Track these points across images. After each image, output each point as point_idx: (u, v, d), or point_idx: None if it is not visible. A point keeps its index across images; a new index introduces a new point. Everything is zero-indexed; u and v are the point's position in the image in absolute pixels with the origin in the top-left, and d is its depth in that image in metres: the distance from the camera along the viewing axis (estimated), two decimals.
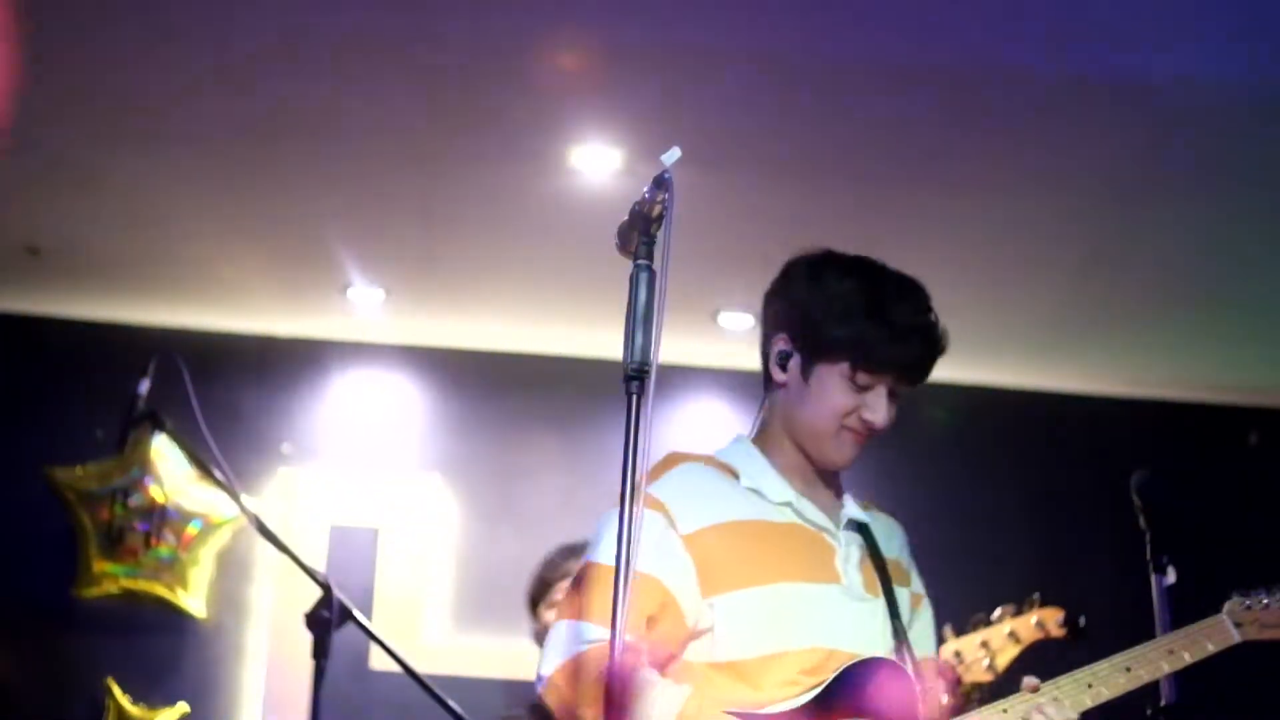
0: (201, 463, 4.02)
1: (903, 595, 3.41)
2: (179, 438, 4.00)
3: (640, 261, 2.74)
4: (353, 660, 6.97)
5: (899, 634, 3.33)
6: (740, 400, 7.66)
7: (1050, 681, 3.31)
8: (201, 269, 7.01)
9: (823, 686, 3.15)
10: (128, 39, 5.08)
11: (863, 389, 3.29)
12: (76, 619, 7.45)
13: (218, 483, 4.05)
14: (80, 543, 7.48)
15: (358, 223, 6.55)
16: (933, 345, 3.35)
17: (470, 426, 7.75)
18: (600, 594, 3.11)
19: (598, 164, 5.79)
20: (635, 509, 2.65)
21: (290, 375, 7.74)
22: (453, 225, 6.51)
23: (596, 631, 3.09)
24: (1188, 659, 3.44)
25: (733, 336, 7.36)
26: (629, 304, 2.70)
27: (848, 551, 3.34)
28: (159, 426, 3.96)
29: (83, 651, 7.39)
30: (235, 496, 4.05)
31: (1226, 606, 3.53)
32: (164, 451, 7.39)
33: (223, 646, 7.54)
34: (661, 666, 3.18)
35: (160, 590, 7.50)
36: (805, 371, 3.34)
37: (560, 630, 3.17)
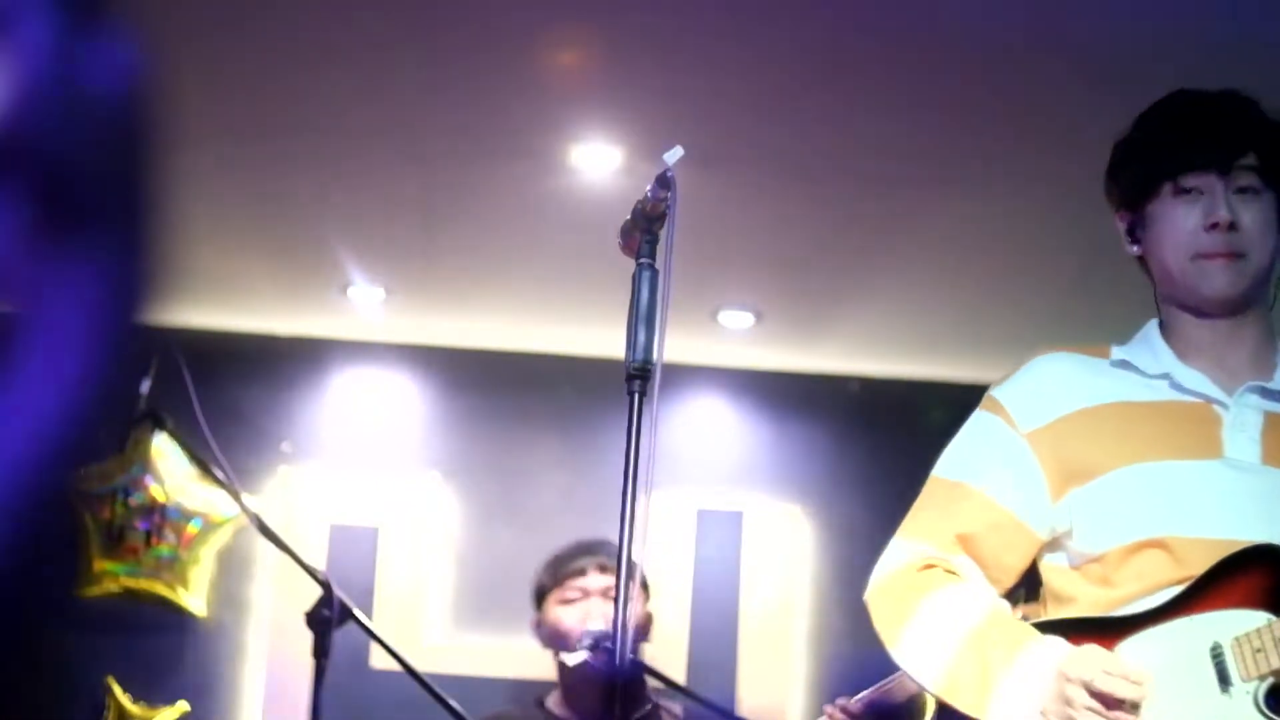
0: (202, 461, 4.03)
1: None
2: (179, 436, 4.00)
3: (643, 260, 2.75)
4: (353, 659, 6.97)
5: None
6: (740, 399, 7.67)
7: None
8: (202, 268, 7.01)
9: (1187, 586, 2.80)
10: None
11: (1192, 201, 2.91)
12: (77, 618, 7.45)
13: (218, 481, 4.05)
14: (81, 541, 7.48)
15: (358, 222, 6.55)
16: (1239, 113, 2.94)
17: (471, 425, 7.75)
18: (922, 507, 3.07)
19: (598, 163, 5.79)
20: (636, 510, 2.66)
21: (291, 374, 7.74)
22: (453, 224, 6.52)
23: (909, 549, 3.03)
24: None
25: (732, 335, 7.37)
26: (631, 303, 2.71)
27: (1240, 418, 2.90)
28: (160, 425, 3.96)
29: (83, 650, 7.39)
30: (236, 495, 4.06)
31: None
32: (165, 450, 7.38)
33: (223, 645, 7.55)
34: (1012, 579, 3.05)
35: (161, 589, 7.50)
36: (1143, 220, 2.98)
37: (886, 551, 3.09)
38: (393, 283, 7.18)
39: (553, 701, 4.76)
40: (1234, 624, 2.74)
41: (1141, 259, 3.03)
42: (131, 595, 7.48)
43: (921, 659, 2.93)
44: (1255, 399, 2.92)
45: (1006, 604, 3.02)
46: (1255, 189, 2.90)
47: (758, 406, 7.68)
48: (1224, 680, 2.72)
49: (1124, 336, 3.13)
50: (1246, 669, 2.70)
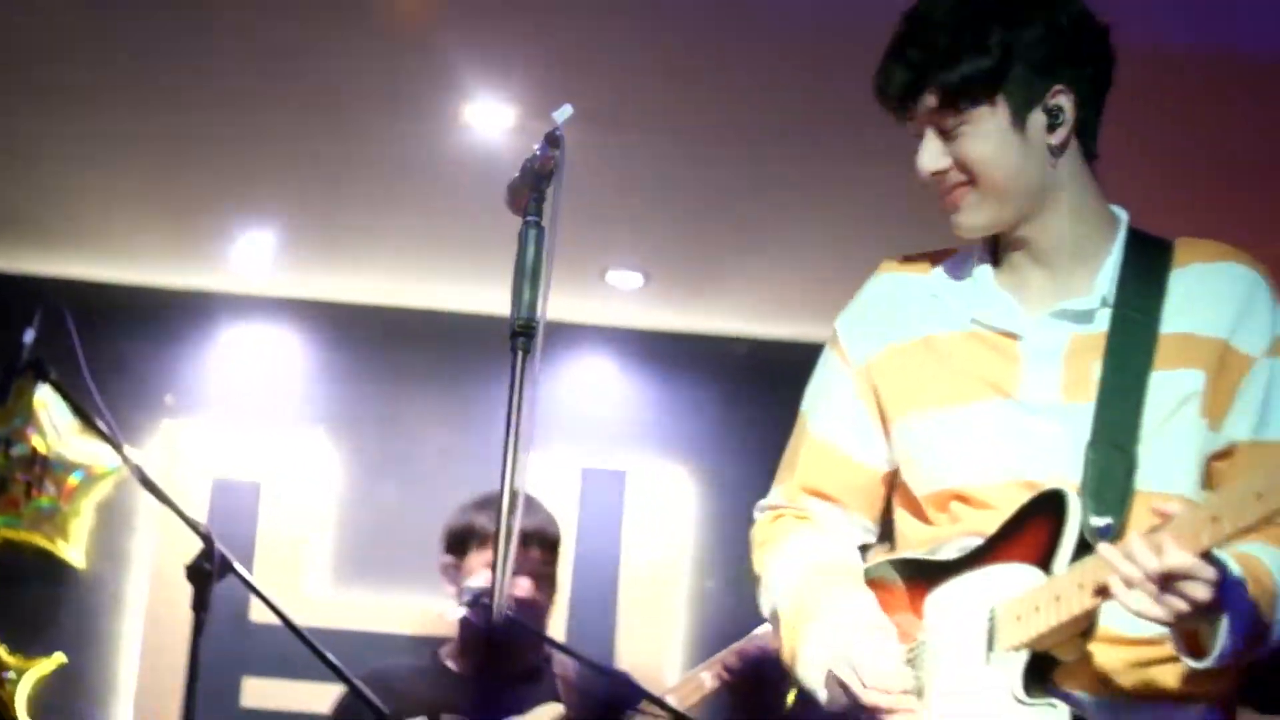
0: (84, 413, 4.00)
1: (1179, 379, 2.68)
2: (63, 388, 3.96)
3: (530, 218, 2.76)
4: (233, 612, 6.94)
5: (1115, 444, 2.65)
6: (627, 359, 7.69)
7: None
8: (89, 220, 6.95)
9: (988, 538, 2.68)
10: None
11: (917, 139, 2.79)
12: None
13: (100, 434, 4.02)
14: None
15: (247, 175, 6.51)
16: (930, 37, 2.72)
17: (356, 381, 7.72)
18: (787, 450, 3.03)
19: (490, 120, 5.79)
20: (518, 467, 2.67)
21: (176, 327, 7.68)
22: (343, 179, 6.48)
23: (770, 499, 3.03)
24: None
25: (621, 295, 7.37)
26: (517, 260, 2.72)
27: (1038, 349, 2.74)
28: (43, 377, 3.93)
29: None
30: (118, 447, 4.03)
31: None
32: (48, 402, 7.33)
33: (102, 597, 7.50)
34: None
35: (40, 540, 7.44)
36: None
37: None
38: (281, 237, 7.14)
39: (446, 653, 4.80)
40: (1008, 582, 2.61)
41: None
42: (11, 547, 7.42)
43: (771, 609, 2.95)
44: (1060, 323, 2.75)
45: (848, 544, 2.93)
46: (963, 120, 2.71)
47: (645, 366, 7.70)
48: (990, 649, 2.61)
49: None
50: (1006, 638, 2.59)
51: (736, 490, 7.29)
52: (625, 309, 7.47)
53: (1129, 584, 2.40)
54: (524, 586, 4.75)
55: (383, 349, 7.71)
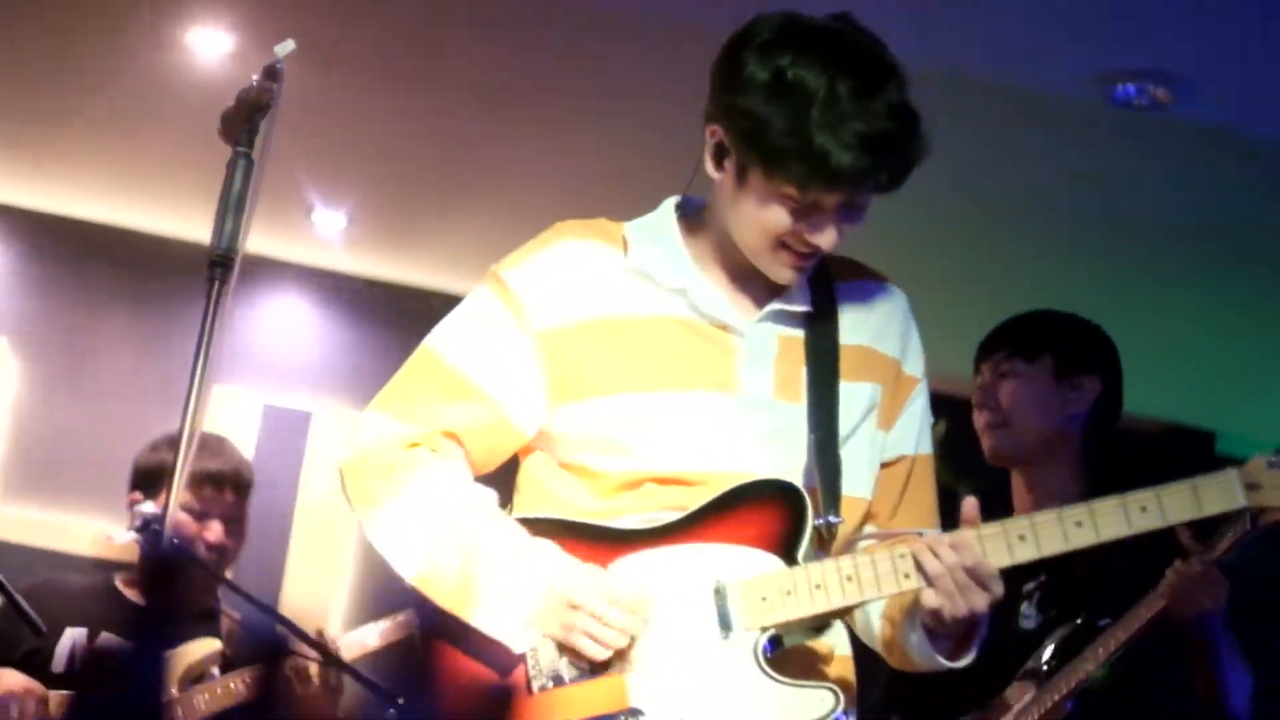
0: None
1: (859, 391, 2.86)
2: None
3: (240, 149, 2.74)
4: None
5: (824, 449, 2.80)
6: (324, 302, 7.64)
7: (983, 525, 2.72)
8: None
9: (691, 511, 2.75)
10: None
11: (807, 208, 2.70)
12: None
13: None
14: None
15: None
16: (901, 149, 2.70)
17: (45, 293, 7.54)
18: (413, 384, 2.92)
19: (211, 46, 5.72)
20: (202, 398, 2.66)
21: None
22: (54, 86, 6.34)
23: (392, 427, 2.88)
24: (1166, 518, 2.70)
25: (324, 236, 7.31)
26: (223, 190, 2.70)
27: (755, 348, 2.83)
28: None
29: None
30: None
31: (1246, 465, 2.73)
32: None
33: None
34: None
35: None
36: (739, 177, 2.75)
37: (363, 421, 2.93)
38: None
39: (122, 579, 4.78)
40: (741, 563, 2.72)
41: (715, 179, 2.82)
42: None
43: (399, 542, 2.84)
44: (770, 325, 2.85)
45: (493, 493, 2.89)
46: (865, 205, 2.76)
47: (340, 310, 7.66)
48: (725, 625, 2.69)
49: None
50: (748, 617, 2.69)
51: None
52: (327, 251, 7.42)
53: (939, 576, 2.66)
54: (215, 531, 4.75)
55: (76, 263, 7.54)
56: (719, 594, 2.70)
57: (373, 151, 6.59)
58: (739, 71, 2.71)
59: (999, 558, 2.68)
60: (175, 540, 4.12)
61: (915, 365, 2.95)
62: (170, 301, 7.23)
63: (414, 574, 2.82)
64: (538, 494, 2.90)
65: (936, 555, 2.66)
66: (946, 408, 4.51)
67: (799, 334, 2.86)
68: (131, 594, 4.76)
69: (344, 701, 4.46)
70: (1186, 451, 8.11)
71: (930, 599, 2.67)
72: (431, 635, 2.86)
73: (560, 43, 5.58)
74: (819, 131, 2.61)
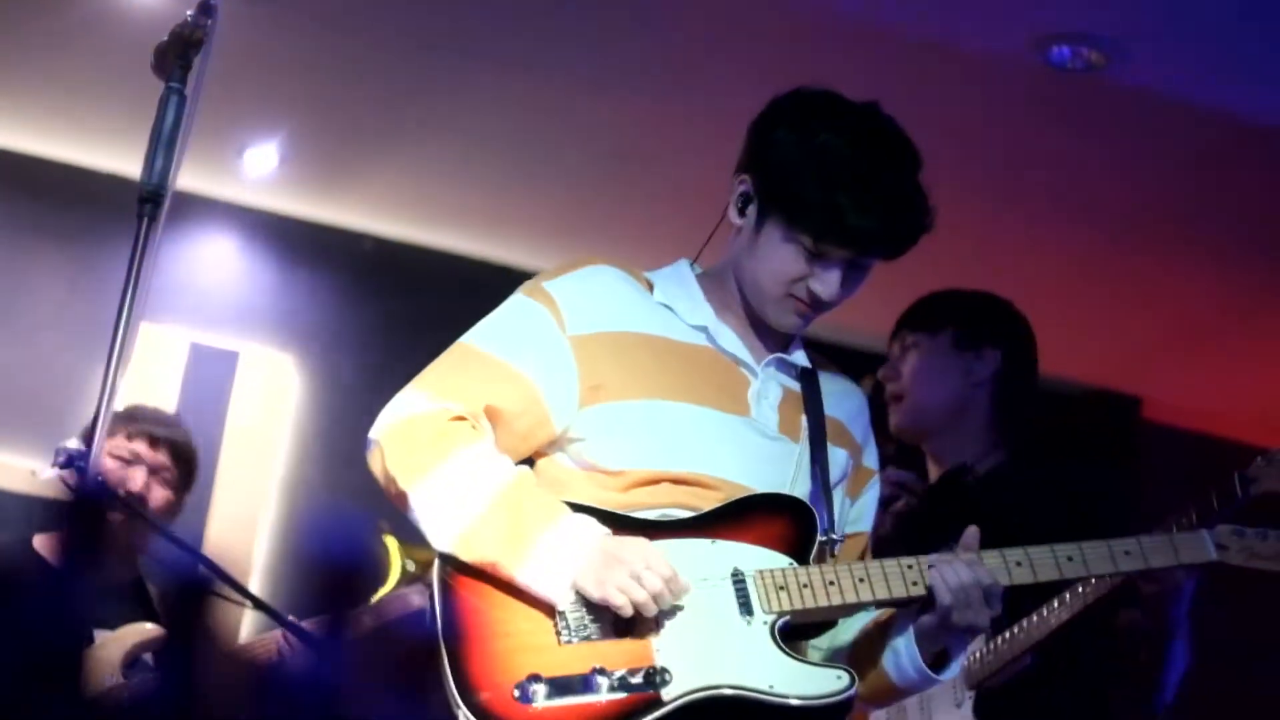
0: None
1: (838, 454, 3.21)
2: None
3: (172, 85, 2.73)
4: None
5: (820, 485, 3.13)
6: (255, 241, 7.57)
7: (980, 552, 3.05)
8: None
9: (704, 511, 3.04)
10: None
11: (817, 257, 3.05)
12: None
13: None
14: None
15: None
16: (910, 221, 3.10)
17: None
18: (452, 371, 3.09)
19: None
20: (129, 335, 2.65)
21: None
22: None
23: (434, 401, 3.05)
24: (1148, 563, 3.11)
25: (255, 175, 7.26)
26: (154, 125, 2.69)
27: (765, 388, 3.17)
28: None
29: None
30: None
31: (1215, 531, 3.15)
32: None
33: None
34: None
35: None
36: (759, 223, 3.11)
37: (401, 397, 3.09)
38: None
39: (43, 544, 4.61)
40: (755, 559, 3.00)
41: (736, 226, 3.18)
42: None
43: (446, 505, 2.99)
44: (775, 371, 3.18)
45: (531, 472, 3.10)
46: (867, 266, 3.12)
47: (270, 250, 7.60)
48: (745, 608, 2.96)
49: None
50: (768, 602, 2.95)
51: (343, 386, 7.30)
52: (258, 190, 7.37)
53: (957, 590, 2.96)
54: (138, 479, 4.72)
55: (2, 195, 7.45)
56: (737, 580, 2.98)
57: (306, 91, 6.56)
58: (776, 130, 3.10)
59: (999, 579, 3.01)
60: (99, 478, 4.09)
61: (872, 459, 3.34)
62: (100, 237, 7.15)
63: (458, 531, 2.98)
64: (554, 489, 3.08)
65: (955, 570, 2.97)
66: (877, 365, 4.59)
67: (796, 387, 3.20)
68: (48, 551, 4.63)
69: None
70: (1111, 416, 8.17)
71: (945, 597, 2.95)
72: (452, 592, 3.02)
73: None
74: (842, 192, 2.97)
